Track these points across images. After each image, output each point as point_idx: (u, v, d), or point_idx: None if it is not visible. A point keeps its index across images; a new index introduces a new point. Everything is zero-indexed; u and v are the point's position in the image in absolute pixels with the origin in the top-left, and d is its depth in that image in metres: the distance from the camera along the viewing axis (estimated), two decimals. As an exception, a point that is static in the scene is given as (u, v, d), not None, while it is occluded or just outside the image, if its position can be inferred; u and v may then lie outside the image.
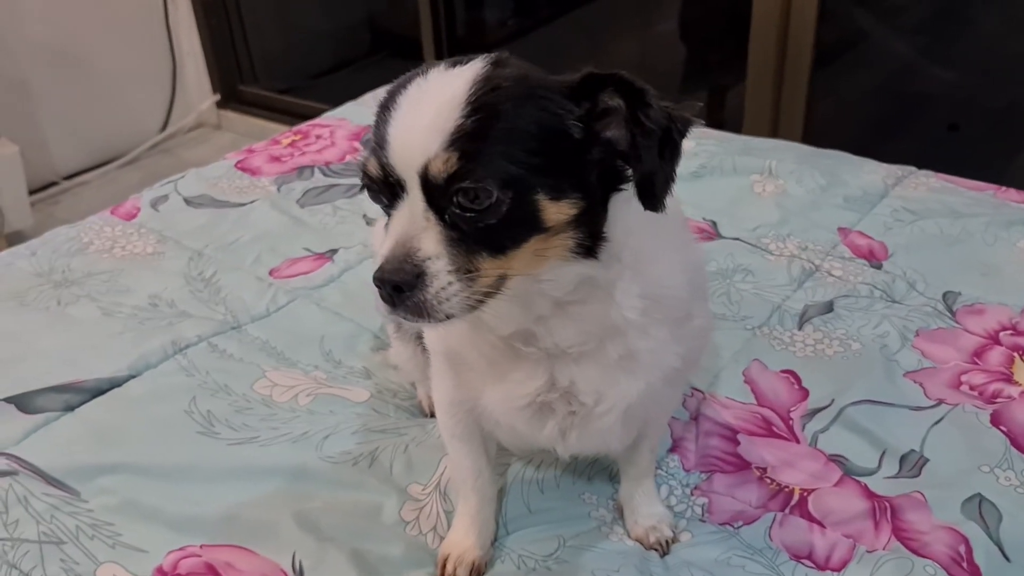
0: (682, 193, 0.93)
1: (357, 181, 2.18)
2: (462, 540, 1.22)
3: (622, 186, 0.92)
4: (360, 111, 2.59)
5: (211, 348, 1.62)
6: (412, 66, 0.93)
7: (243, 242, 1.98)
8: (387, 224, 0.90)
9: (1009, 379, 1.49)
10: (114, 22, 3.91)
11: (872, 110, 3.12)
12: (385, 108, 0.90)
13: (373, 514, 1.29)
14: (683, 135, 0.88)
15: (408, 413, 1.51)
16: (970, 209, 1.97)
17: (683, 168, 0.91)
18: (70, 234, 2.02)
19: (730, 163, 2.17)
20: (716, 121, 3.03)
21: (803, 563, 1.20)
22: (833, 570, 1.19)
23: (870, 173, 2.13)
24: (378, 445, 1.40)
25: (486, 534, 1.24)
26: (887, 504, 1.27)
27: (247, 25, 4.24)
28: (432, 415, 1.44)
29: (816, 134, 2.80)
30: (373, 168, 0.89)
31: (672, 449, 1.39)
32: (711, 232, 1.94)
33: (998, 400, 1.44)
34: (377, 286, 0.86)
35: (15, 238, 3.23)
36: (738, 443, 1.39)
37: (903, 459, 1.34)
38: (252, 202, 2.14)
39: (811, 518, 1.26)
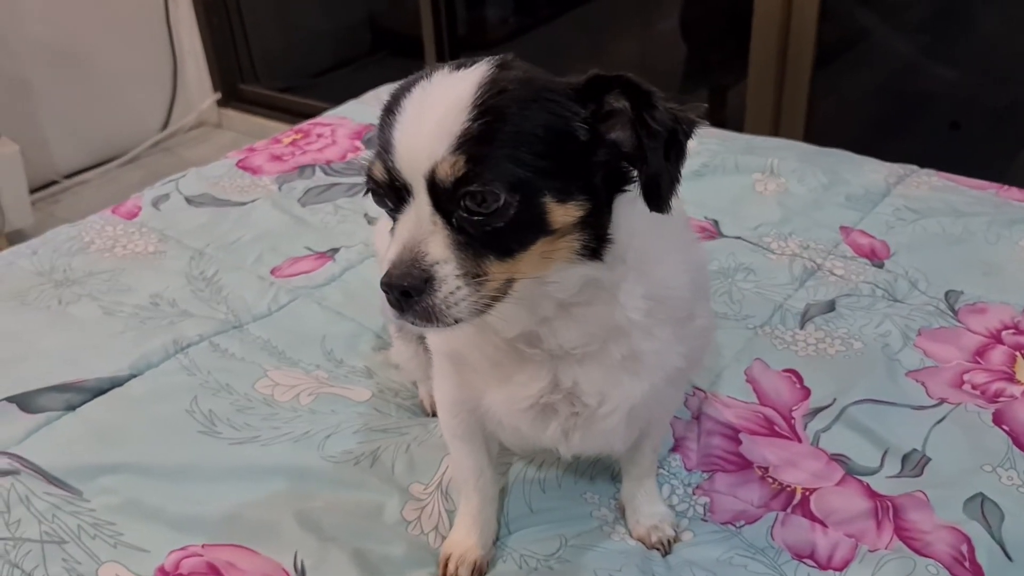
0: (684, 192, 0.92)
1: (359, 180, 2.18)
2: (464, 540, 1.22)
3: (627, 187, 0.92)
4: (361, 109, 2.59)
5: (212, 347, 1.62)
6: (413, 65, 0.93)
7: (244, 241, 1.98)
8: (393, 228, 0.89)
9: (1011, 378, 1.49)
10: (115, 21, 3.90)
11: (873, 109, 3.12)
12: (389, 112, 0.89)
13: (375, 514, 1.29)
14: (688, 136, 0.88)
15: (410, 412, 1.50)
16: (972, 208, 1.96)
17: (685, 167, 0.90)
18: (71, 233, 2.02)
19: (732, 162, 2.17)
20: (717, 120, 3.03)
21: (805, 562, 1.20)
22: (835, 570, 1.19)
23: (872, 172, 2.13)
24: (380, 445, 1.40)
25: (488, 534, 1.24)
26: (889, 503, 1.27)
27: (248, 24, 4.24)
28: (434, 414, 1.44)
29: (817, 133, 2.80)
30: (379, 172, 0.89)
31: (674, 448, 1.39)
32: (713, 231, 1.94)
33: (1000, 399, 1.44)
34: (385, 291, 0.85)
35: (16, 237, 3.23)
36: (740, 442, 1.39)
37: (905, 458, 1.34)
38: (253, 201, 2.14)
39: (813, 517, 1.26)
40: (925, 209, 1.97)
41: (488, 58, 0.91)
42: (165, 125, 4.22)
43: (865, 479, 1.31)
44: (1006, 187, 2.06)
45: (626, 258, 0.94)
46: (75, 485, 1.33)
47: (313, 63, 4.38)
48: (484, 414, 1.12)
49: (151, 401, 1.50)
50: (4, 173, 3.30)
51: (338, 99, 2.75)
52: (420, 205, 0.86)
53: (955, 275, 1.75)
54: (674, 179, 0.89)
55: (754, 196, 2.06)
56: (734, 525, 1.26)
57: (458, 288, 0.85)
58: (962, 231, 1.89)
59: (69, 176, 3.86)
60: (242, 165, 2.33)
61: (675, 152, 0.88)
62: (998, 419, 1.40)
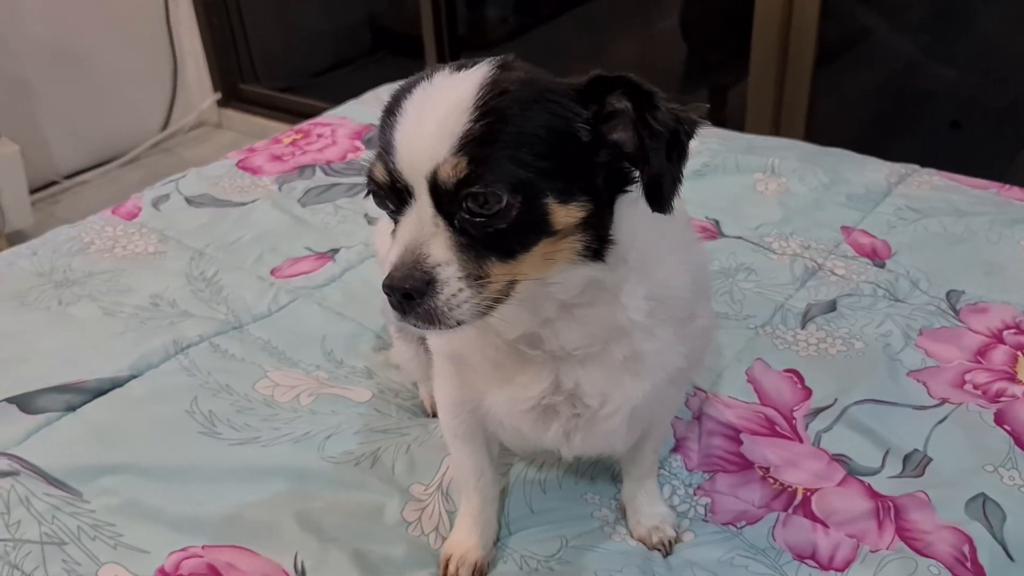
0: (684, 191, 0.92)
1: (359, 180, 2.19)
2: (464, 540, 1.22)
3: (628, 188, 0.92)
4: (362, 109, 2.59)
5: (212, 348, 1.62)
6: (413, 65, 0.93)
7: (244, 241, 1.97)
8: (394, 230, 0.89)
9: (1013, 378, 1.48)
10: (115, 21, 3.90)
11: (874, 108, 3.11)
12: (390, 113, 0.89)
13: (375, 514, 1.29)
14: (691, 137, 0.88)
15: (410, 413, 1.50)
16: (973, 207, 1.96)
17: (686, 167, 0.90)
18: (71, 234, 2.02)
19: (733, 161, 2.17)
20: (718, 119, 3.03)
21: (806, 563, 1.20)
22: (836, 570, 1.19)
23: (873, 171, 2.13)
24: (380, 445, 1.40)
25: (488, 534, 1.24)
26: (891, 504, 1.27)
27: (248, 24, 4.23)
28: (434, 415, 1.44)
29: (818, 132, 2.80)
30: (380, 174, 0.89)
31: (675, 449, 1.39)
32: (714, 231, 1.94)
33: (1002, 399, 1.44)
34: (387, 294, 0.85)
35: (16, 237, 3.22)
36: (741, 443, 1.39)
37: (906, 459, 1.34)
38: (253, 201, 2.14)
39: (814, 518, 1.26)
40: (926, 209, 1.97)
41: (489, 59, 0.90)
42: (165, 125, 4.22)
43: (866, 479, 1.31)
44: (1007, 186, 2.06)
45: (628, 259, 0.94)
46: (75, 486, 1.32)
47: (313, 63, 4.38)
48: (485, 415, 1.12)
49: (151, 402, 1.49)
50: (4, 173, 3.30)
51: (338, 99, 2.75)
52: (422, 207, 0.86)
53: (956, 275, 1.75)
54: (676, 179, 0.88)
55: (755, 196, 2.06)
56: (735, 526, 1.26)
57: (460, 290, 0.85)
58: (963, 231, 1.88)
59: (69, 176, 3.86)
60: (242, 165, 2.33)
61: (677, 152, 0.88)
62: (999, 419, 1.40)
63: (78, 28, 3.78)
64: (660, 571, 1.20)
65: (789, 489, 1.31)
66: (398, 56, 4.10)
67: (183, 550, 1.22)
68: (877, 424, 1.40)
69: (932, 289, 1.72)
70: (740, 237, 1.91)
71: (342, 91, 2.87)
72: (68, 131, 3.83)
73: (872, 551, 1.20)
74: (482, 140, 0.83)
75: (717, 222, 1.96)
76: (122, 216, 2.10)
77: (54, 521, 1.27)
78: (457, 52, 3.59)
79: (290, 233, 2.01)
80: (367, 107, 2.58)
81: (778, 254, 1.85)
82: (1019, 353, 1.54)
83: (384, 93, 2.60)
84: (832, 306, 1.68)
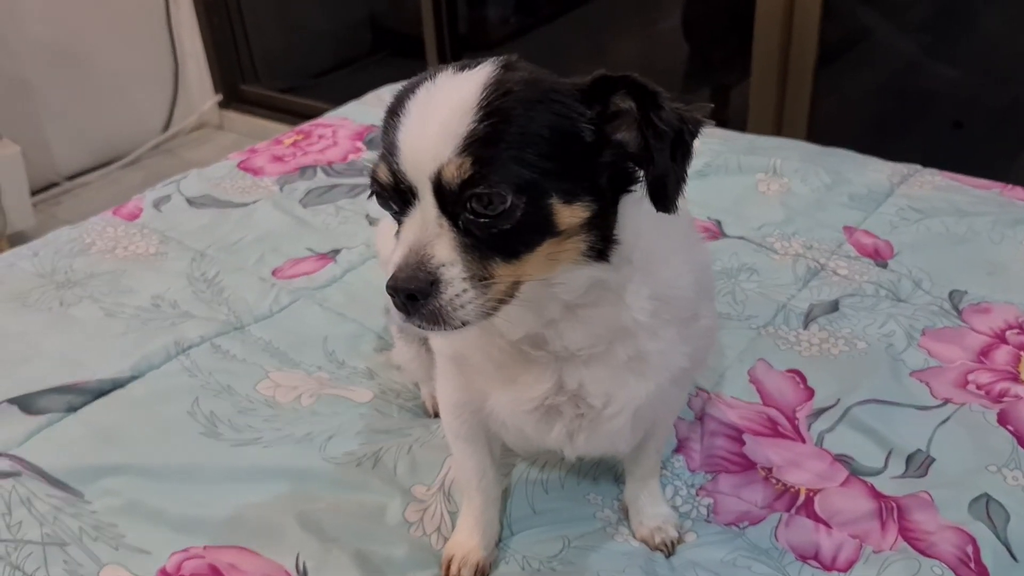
0: (687, 192, 0.92)
1: (360, 181, 2.19)
2: (466, 541, 1.22)
3: (632, 188, 0.91)
4: (363, 110, 2.58)
5: (214, 349, 1.62)
6: (414, 65, 0.93)
7: (246, 242, 1.97)
8: (398, 231, 0.89)
9: (1016, 378, 1.48)
10: (116, 22, 3.90)
11: (876, 108, 3.11)
12: (394, 113, 0.89)
13: (377, 515, 1.28)
14: (695, 136, 0.88)
15: (412, 414, 1.50)
16: (976, 207, 1.96)
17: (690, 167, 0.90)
18: (72, 235, 2.02)
19: (735, 162, 2.17)
20: (719, 120, 2.99)
21: (809, 563, 1.19)
22: (840, 571, 1.18)
23: (875, 171, 2.13)
24: (382, 446, 1.40)
25: (490, 535, 1.23)
26: (894, 504, 1.26)
27: (248, 24, 4.23)
28: (436, 415, 1.44)
29: (820, 132, 2.79)
30: (383, 175, 0.88)
31: (677, 449, 1.39)
32: (716, 231, 1.93)
33: (1005, 399, 1.43)
34: (391, 294, 0.85)
35: (17, 239, 3.22)
36: (743, 443, 1.39)
37: (909, 459, 1.34)
38: (255, 202, 2.14)
39: (817, 518, 1.25)
40: (929, 209, 1.97)
41: (492, 59, 0.90)
42: (166, 126, 4.22)
43: (869, 480, 1.31)
44: (1010, 186, 2.05)
45: (632, 259, 0.94)
46: (76, 487, 1.32)
47: (314, 63, 4.38)
48: (488, 415, 1.12)
49: (152, 403, 1.49)
50: (5, 174, 3.30)
51: (339, 100, 2.74)
52: (426, 207, 0.86)
53: (959, 275, 1.74)
54: (680, 179, 0.88)
55: (757, 196, 2.06)
56: (738, 526, 1.26)
57: (464, 291, 0.84)
58: (966, 231, 1.88)
59: (70, 178, 3.86)
60: (243, 166, 2.32)
61: (681, 152, 0.87)
62: (1003, 419, 1.39)
63: (79, 29, 3.78)
64: (663, 572, 1.20)
65: (792, 489, 1.30)
66: (399, 56, 4.10)
67: (185, 551, 1.22)
68: (880, 424, 1.39)
69: (935, 289, 1.72)
70: (742, 237, 1.91)
71: (343, 92, 2.87)
72: (69, 132, 3.83)
73: (875, 552, 1.20)
74: (486, 141, 0.83)
75: (719, 222, 1.96)
76: (123, 217, 2.10)
77: (55, 522, 1.26)
78: (458, 52, 3.59)
79: (291, 234, 2.00)
80: (368, 108, 2.58)
81: (780, 254, 1.85)
82: (1022, 353, 1.54)
83: (385, 93, 2.60)
84: (834, 306, 1.68)
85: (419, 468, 1.36)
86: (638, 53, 3.48)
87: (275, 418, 1.46)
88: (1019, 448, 1.34)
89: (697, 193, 2.00)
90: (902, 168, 2.14)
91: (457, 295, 0.84)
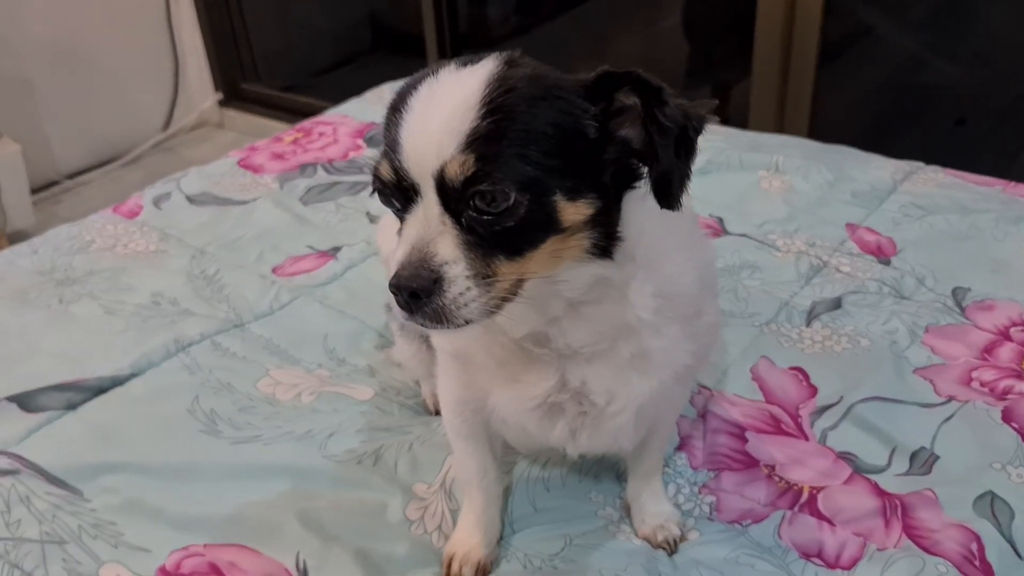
0: (690, 188, 0.92)
1: (360, 178, 2.18)
2: (467, 539, 1.21)
3: (636, 184, 0.91)
4: (363, 107, 2.58)
5: (214, 346, 1.61)
6: (414, 63, 0.92)
7: (246, 240, 1.97)
8: (400, 229, 0.88)
9: (1020, 375, 1.47)
10: (116, 20, 3.90)
11: (878, 105, 3.10)
12: (396, 110, 0.88)
13: (378, 513, 1.28)
14: (699, 133, 0.87)
15: (413, 411, 1.49)
16: (979, 205, 1.95)
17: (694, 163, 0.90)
18: (72, 232, 2.01)
19: (736, 159, 2.16)
20: (721, 117, 3.01)
21: (813, 561, 1.19)
22: (843, 568, 1.18)
23: (878, 169, 2.12)
24: (382, 443, 1.39)
25: (492, 533, 1.23)
26: (897, 502, 1.26)
27: (249, 22, 4.23)
28: (437, 413, 1.43)
29: (821, 130, 2.78)
30: (386, 172, 0.88)
31: (679, 447, 1.38)
32: (718, 228, 1.93)
33: (1009, 396, 1.43)
34: (394, 293, 0.84)
35: (17, 237, 3.21)
36: (746, 441, 1.38)
37: (913, 456, 1.33)
38: (255, 200, 2.13)
39: (821, 516, 1.25)
40: (932, 206, 1.96)
41: (495, 55, 0.89)
42: (167, 125, 4.21)
43: (873, 477, 1.30)
44: (1013, 184, 2.05)
45: (635, 256, 0.93)
46: (75, 485, 1.32)
47: (314, 62, 4.38)
48: (489, 413, 1.11)
49: (152, 400, 1.49)
50: (6, 173, 3.30)
51: (339, 98, 2.74)
52: (428, 205, 0.85)
53: (962, 272, 1.74)
54: (684, 176, 0.88)
55: (759, 193, 2.05)
56: (741, 524, 1.25)
57: (468, 289, 0.84)
58: (969, 228, 1.87)
59: (71, 176, 3.86)
60: (244, 164, 2.32)
61: (685, 148, 0.87)
62: (1007, 416, 1.39)
63: (79, 28, 3.78)
64: (665, 570, 1.19)
65: (795, 487, 1.30)
66: (399, 54, 4.09)
67: (184, 549, 1.22)
68: (883, 422, 1.39)
69: (938, 286, 1.71)
70: (744, 235, 1.90)
71: (343, 90, 2.86)
72: (69, 131, 3.82)
73: (879, 549, 1.19)
74: (489, 137, 0.82)
75: (721, 220, 1.95)
76: (123, 215, 2.09)
77: (54, 520, 1.26)
78: (459, 50, 3.58)
79: (292, 231, 2.00)
80: (369, 105, 2.57)
81: (783, 251, 1.84)
82: (1026, 350, 1.53)
83: (386, 91, 2.59)
84: (837, 303, 1.67)
85: (420, 466, 1.35)
86: (639, 51, 3.47)
87: (275, 416, 1.45)
88: (1023, 446, 1.33)
89: (699, 190, 1.97)
90: (905, 165, 2.14)
91: (460, 293, 0.84)
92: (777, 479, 1.31)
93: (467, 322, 0.85)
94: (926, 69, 2.98)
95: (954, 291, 1.69)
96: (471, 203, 0.83)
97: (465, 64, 0.88)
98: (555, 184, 0.84)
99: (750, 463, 1.34)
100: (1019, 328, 1.58)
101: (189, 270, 1.86)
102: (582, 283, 0.92)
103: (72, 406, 1.47)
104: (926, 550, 1.18)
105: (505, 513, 1.27)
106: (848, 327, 1.60)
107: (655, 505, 1.25)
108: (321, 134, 2.45)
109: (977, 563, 1.16)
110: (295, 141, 2.42)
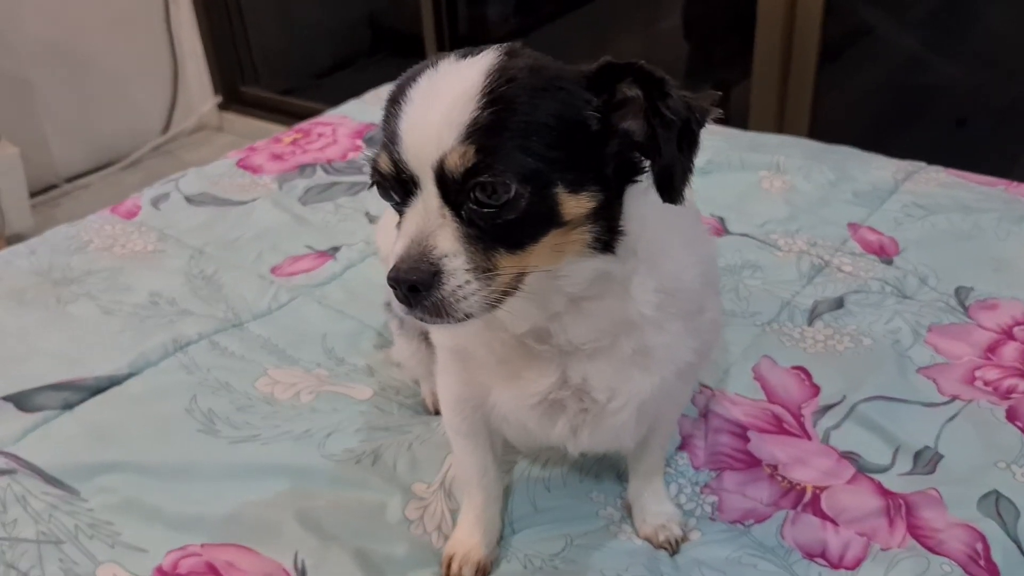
0: (692, 183, 0.91)
1: (359, 179, 2.17)
2: (467, 539, 1.20)
3: (638, 178, 0.90)
4: (362, 108, 2.57)
5: (212, 346, 1.60)
6: (414, 64, 0.90)
7: (244, 240, 1.96)
8: (400, 222, 0.87)
9: (1023, 374, 1.46)
10: (115, 23, 3.89)
11: (878, 105, 3.10)
12: (395, 102, 0.87)
13: (377, 513, 1.27)
14: (702, 126, 0.86)
15: (412, 411, 1.48)
16: (981, 204, 1.94)
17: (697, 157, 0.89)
18: (70, 232, 2.00)
19: (738, 159, 2.16)
20: (721, 117, 3.01)
21: (816, 561, 1.18)
22: (847, 568, 1.17)
23: (879, 168, 2.11)
24: (381, 443, 1.38)
25: (492, 533, 1.22)
26: (901, 501, 1.25)
27: (248, 24, 4.23)
28: (436, 412, 1.42)
29: (822, 130, 2.78)
30: (385, 164, 0.86)
31: (681, 447, 1.37)
32: (719, 228, 1.92)
33: (1013, 395, 1.42)
34: (392, 286, 0.83)
35: (15, 240, 3.19)
36: (748, 440, 1.37)
37: (917, 456, 1.32)
38: (253, 200, 2.13)
39: (824, 516, 1.24)
40: (934, 205, 1.95)
41: (496, 46, 0.88)
42: (166, 128, 4.21)
43: (876, 477, 1.29)
44: (1015, 183, 2.04)
45: (637, 250, 0.92)
46: (72, 485, 1.31)
47: (314, 64, 4.37)
48: (490, 411, 1.10)
49: (150, 400, 1.48)
50: (4, 176, 3.29)
51: (339, 101, 2.72)
52: (428, 197, 0.84)
53: (965, 271, 1.73)
54: (687, 169, 0.87)
55: (760, 193, 2.04)
56: (743, 524, 1.24)
57: (467, 282, 0.82)
58: (971, 227, 1.87)
59: (70, 179, 3.85)
60: (242, 164, 2.31)
61: (688, 142, 0.86)
62: (1011, 415, 1.38)
63: (78, 30, 3.77)
64: (667, 570, 1.18)
65: (798, 487, 1.29)
66: (398, 56, 4.09)
67: (182, 549, 1.21)
68: (887, 421, 1.38)
69: (941, 286, 1.70)
70: (746, 234, 1.89)
71: (343, 93, 2.84)
72: (68, 133, 3.82)
73: (883, 549, 1.18)
74: (490, 129, 0.81)
75: (722, 219, 1.94)
76: (121, 215, 2.08)
77: (51, 520, 1.25)
78: (459, 52, 3.58)
79: (290, 231, 1.99)
80: (368, 106, 2.57)
81: (784, 251, 1.83)
82: (1030, 349, 1.52)
83: (385, 92, 2.58)
84: (839, 303, 1.66)
85: (419, 465, 1.34)
86: (639, 52, 3.45)
87: (274, 415, 1.44)
88: (1028, 445, 1.32)
89: (700, 190, 1.97)
90: (906, 165, 2.13)
91: (460, 287, 0.82)
92: (780, 479, 1.30)
93: (467, 316, 0.84)
94: (926, 69, 2.97)
95: (957, 290, 1.68)
96: (471, 195, 0.82)
97: (465, 56, 0.87)
98: (557, 176, 0.83)
99: (752, 463, 1.33)
100: (1022, 327, 1.57)
101: (187, 270, 1.85)
102: (583, 278, 0.91)
103: (69, 406, 1.46)
104: (931, 550, 1.17)
105: (505, 513, 1.26)
106: (850, 326, 1.59)
107: (657, 505, 1.24)
108: (320, 135, 2.44)
109: (982, 563, 1.15)
110: (294, 142, 2.41)
